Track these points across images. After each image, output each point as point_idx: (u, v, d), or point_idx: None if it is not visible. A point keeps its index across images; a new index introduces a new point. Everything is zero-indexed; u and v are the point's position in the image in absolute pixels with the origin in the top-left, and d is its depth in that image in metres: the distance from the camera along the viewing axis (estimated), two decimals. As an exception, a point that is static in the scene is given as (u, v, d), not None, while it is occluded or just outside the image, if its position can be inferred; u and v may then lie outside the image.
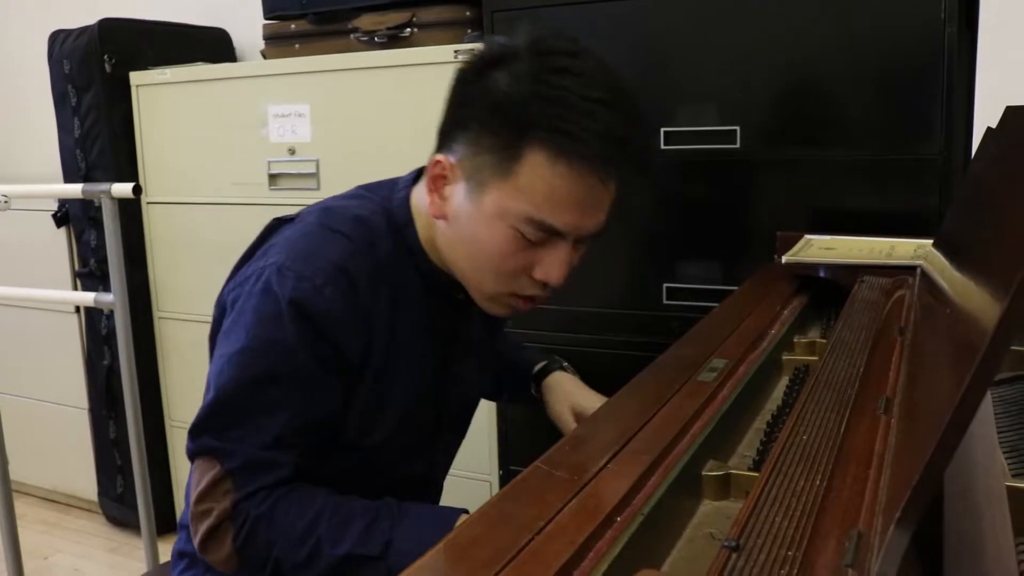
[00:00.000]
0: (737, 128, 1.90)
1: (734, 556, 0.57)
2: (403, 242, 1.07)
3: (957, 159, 1.75)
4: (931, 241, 1.54)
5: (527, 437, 2.24)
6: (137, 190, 2.13)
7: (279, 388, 0.99)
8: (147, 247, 2.68)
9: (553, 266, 0.99)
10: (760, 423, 1.06)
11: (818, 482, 0.68)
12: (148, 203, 2.66)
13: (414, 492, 1.17)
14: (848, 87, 1.81)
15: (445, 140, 1.02)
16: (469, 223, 0.99)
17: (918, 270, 1.33)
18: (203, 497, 0.99)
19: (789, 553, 0.58)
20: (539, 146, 0.93)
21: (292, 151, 2.33)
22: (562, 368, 1.33)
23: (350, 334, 1.01)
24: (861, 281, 1.38)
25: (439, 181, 1.01)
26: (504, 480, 2.31)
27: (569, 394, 1.28)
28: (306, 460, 1.02)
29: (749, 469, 0.88)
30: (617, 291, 2.10)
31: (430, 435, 1.18)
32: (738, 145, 1.90)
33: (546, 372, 1.33)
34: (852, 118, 1.81)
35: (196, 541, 1.01)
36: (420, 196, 1.08)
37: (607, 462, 0.78)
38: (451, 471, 2.31)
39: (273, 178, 2.38)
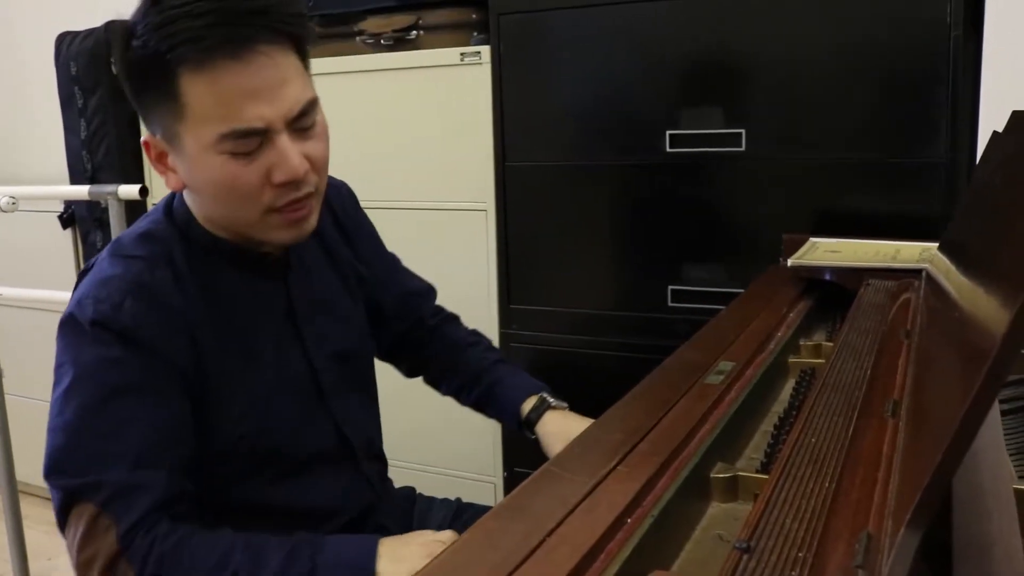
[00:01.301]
0: (743, 131, 1.90)
1: (745, 557, 0.57)
2: (194, 240, 1.07)
3: (962, 163, 1.75)
4: (936, 244, 1.55)
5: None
6: (144, 192, 2.14)
7: (121, 407, 0.97)
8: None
9: (283, 163, 0.98)
10: (767, 425, 1.06)
11: (827, 484, 0.68)
12: (154, 204, 2.66)
13: (339, 464, 1.19)
14: (854, 90, 1.81)
15: (145, 124, 1.03)
16: (194, 174, 1.00)
17: (923, 273, 1.34)
18: (84, 543, 0.94)
19: (800, 554, 0.58)
20: (180, 70, 0.94)
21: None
22: (551, 407, 1.29)
23: (166, 339, 1.00)
24: (867, 284, 1.39)
25: (162, 159, 1.03)
26: (508, 481, 2.31)
27: (565, 432, 1.22)
28: (183, 478, 0.99)
29: (757, 471, 0.89)
30: (622, 293, 2.11)
31: (315, 401, 1.16)
32: (743, 148, 1.91)
33: (538, 414, 1.28)
34: (857, 121, 1.82)
35: None
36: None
37: (616, 464, 0.78)
38: (456, 472, 2.35)
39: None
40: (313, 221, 1.06)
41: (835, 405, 0.87)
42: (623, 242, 2.09)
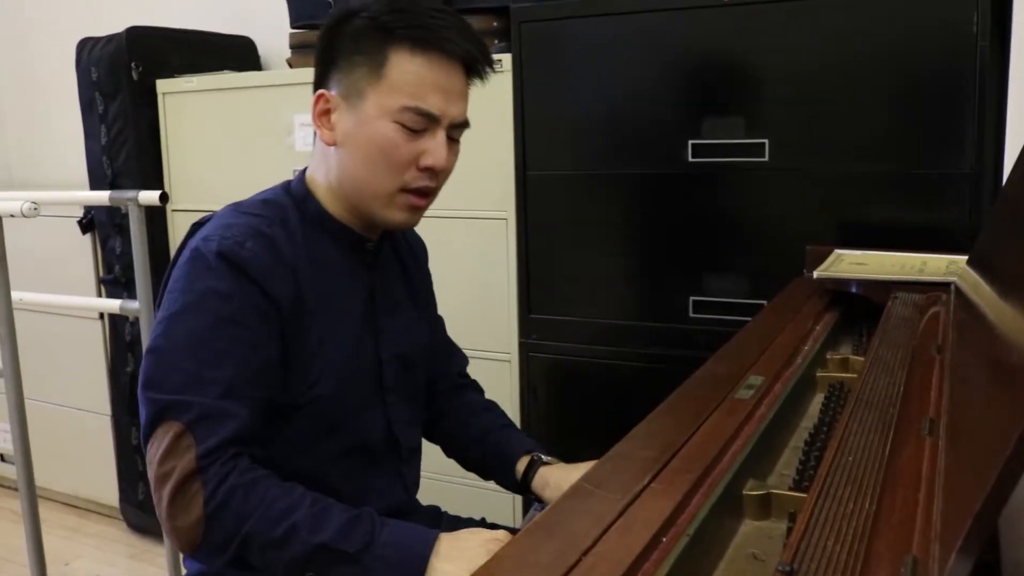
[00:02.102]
0: (766, 141, 1.89)
1: (789, 581, 0.56)
2: (307, 212, 1.19)
3: (988, 174, 1.73)
4: (963, 257, 1.54)
5: (551, 447, 2.23)
6: (164, 198, 2.14)
7: (222, 338, 1.06)
8: (171, 254, 2.69)
9: (436, 151, 1.14)
10: (796, 441, 1.05)
11: (867, 505, 0.67)
12: (173, 210, 2.68)
13: (383, 457, 1.26)
14: (879, 100, 1.80)
15: (321, 83, 1.18)
16: (357, 132, 1.14)
17: (952, 287, 1.32)
18: (165, 457, 1.01)
19: (844, 579, 0.57)
20: (400, 45, 1.12)
21: (317, 160, 2.34)
22: (545, 463, 1.30)
23: (277, 281, 1.10)
24: (895, 297, 1.37)
25: (323, 116, 1.17)
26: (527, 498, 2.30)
27: (564, 481, 1.24)
28: (261, 421, 1.07)
29: (790, 488, 0.87)
30: (644, 304, 2.10)
31: (375, 392, 1.25)
32: (767, 158, 1.89)
33: (531, 475, 1.30)
34: (882, 132, 1.81)
35: (162, 508, 1.01)
36: (314, 172, 1.22)
37: (650, 481, 0.77)
38: (476, 483, 2.32)
39: (298, 186, 2.38)
40: (421, 216, 1.21)
41: (870, 422, 0.85)
42: (644, 252, 2.08)
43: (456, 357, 1.50)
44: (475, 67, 1.17)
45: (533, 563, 0.63)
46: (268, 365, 1.09)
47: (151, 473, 1.03)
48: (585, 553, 0.64)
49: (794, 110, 1.88)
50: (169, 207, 2.66)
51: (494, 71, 1.20)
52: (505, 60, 2.14)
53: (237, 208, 1.19)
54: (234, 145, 2.53)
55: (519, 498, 2.32)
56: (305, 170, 1.25)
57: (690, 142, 1.96)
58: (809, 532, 0.63)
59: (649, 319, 2.09)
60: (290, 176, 2.40)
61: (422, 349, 1.36)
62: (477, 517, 1.42)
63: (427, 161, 1.14)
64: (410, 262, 1.37)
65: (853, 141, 1.83)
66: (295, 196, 1.21)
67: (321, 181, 1.21)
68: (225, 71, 2.63)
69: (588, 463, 1.23)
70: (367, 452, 1.24)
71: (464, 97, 1.18)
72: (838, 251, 1.65)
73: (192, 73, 2.59)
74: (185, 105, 2.61)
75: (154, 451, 1.02)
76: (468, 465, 1.44)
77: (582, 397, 2.19)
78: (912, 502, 0.68)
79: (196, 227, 1.20)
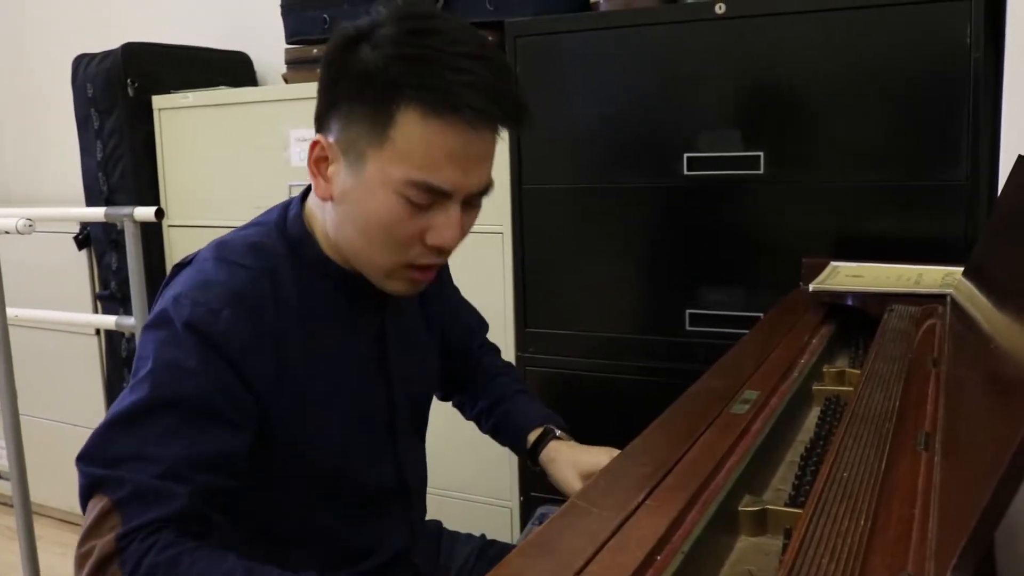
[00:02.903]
0: (761, 153, 1.89)
1: (783, 600, 0.56)
2: (304, 257, 1.06)
3: (983, 185, 1.74)
4: (959, 269, 1.53)
5: (548, 463, 2.23)
6: (160, 214, 2.14)
7: (176, 415, 0.94)
8: (168, 271, 2.69)
9: (445, 229, 0.98)
10: (792, 455, 1.04)
11: (862, 522, 0.67)
12: (169, 226, 2.67)
13: (392, 504, 1.18)
14: (873, 113, 1.80)
15: (321, 123, 1.02)
16: (355, 197, 0.99)
17: (948, 299, 1.32)
18: (87, 536, 0.91)
19: (839, 598, 0.56)
20: (410, 106, 0.94)
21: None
22: (557, 437, 1.28)
23: (254, 357, 0.98)
24: (890, 310, 1.37)
25: (320, 163, 1.01)
26: (524, 507, 2.29)
27: (571, 462, 1.23)
28: (208, 506, 0.94)
29: (786, 504, 0.87)
30: (639, 317, 2.09)
31: (387, 438, 1.17)
32: (762, 171, 1.90)
33: (542, 443, 1.28)
34: (877, 144, 1.81)
35: None
36: (313, 207, 1.08)
37: (645, 498, 0.77)
38: (472, 497, 2.33)
39: (294, 202, 2.38)
40: (424, 286, 1.09)
41: (865, 437, 0.85)
42: (640, 265, 2.08)
43: (480, 330, 1.45)
44: (507, 123, 0.99)
45: (527, 582, 0.63)
46: (226, 453, 0.96)
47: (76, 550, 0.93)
48: (579, 573, 0.64)
49: (789, 123, 1.88)
50: (165, 223, 2.66)
51: (528, 120, 1.00)
52: (500, 74, 2.14)
53: (220, 253, 1.03)
54: (230, 161, 2.53)
55: (517, 512, 2.31)
56: (304, 199, 1.10)
57: (685, 155, 1.96)
58: (804, 549, 0.63)
59: (646, 332, 2.08)
60: (286, 192, 2.41)
61: (433, 382, 1.30)
62: (476, 534, 1.41)
63: (434, 239, 0.99)
64: (430, 285, 1.23)
65: (848, 153, 1.83)
66: (290, 237, 1.07)
67: (320, 221, 1.07)
68: (221, 87, 2.63)
69: (599, 448, 1.23)
70: (376, 501, 1.16)
71: (488, 160, 1.00)
72: (834, 263, 1.65)
73: (188, 89, 2.60)
74: (181, 121, 2.61)
75: (82, 527, 0.93)
76: (483, 429, 1.42)
77: (579, 410, 2.17)
78: (908, 518, 0.68)
79: (177, 269, 1.06)
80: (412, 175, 0.95)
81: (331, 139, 1.00)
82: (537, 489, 2.27)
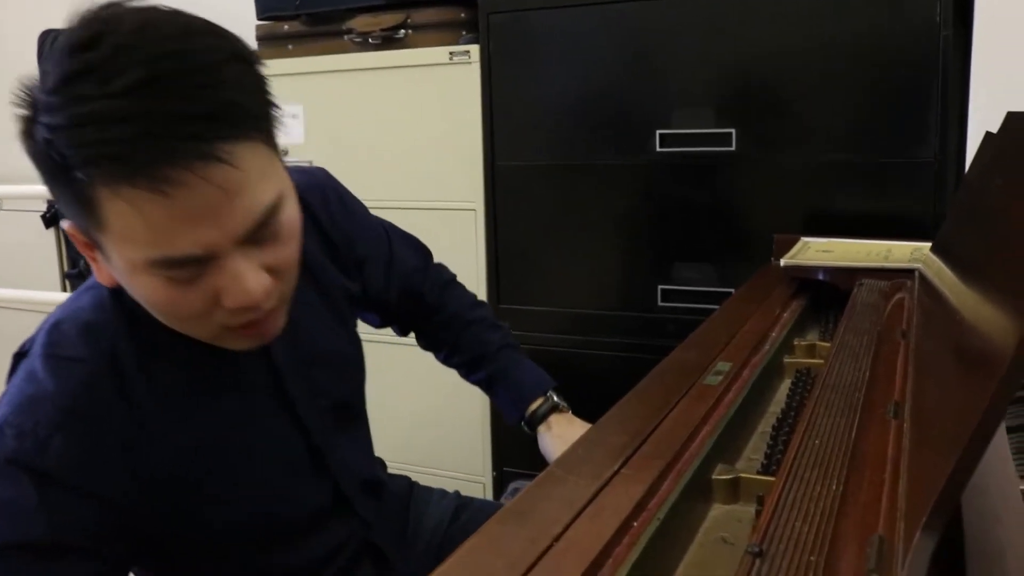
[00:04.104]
0: (733, 131, 1.90)
1: (758, 562, 0.57)
2: (146, 323, 0.86)
3: (951, 162, 1.76)
4: (927, 244, 1.56)
5: (521, 438, 2.24)
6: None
7: (20, 562, 0.79)
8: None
9: (235, 288, 0.79)
10: (764, 426, 1.06)
11: (834, 487, 0.68)
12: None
13: (338, 513, 1.10)
14: (844, 90, 1.82)
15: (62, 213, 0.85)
16: (125, 283, 0.83)
17: (916, 273, 1.34)
18: None
19: (811, 558, 0.58)
20: (94, 185, 0.73)
21: (285, 152, 2.31)
22: (556, 408, 1.28)
23: (104, 475, 0.84)
24: (860, 284, 1.39)
25: (89, 248, 0.83)
26: (497, 482, 2.31)
27: (564, 437, 1.23)
28: None
29: (758, 472, 0.88)
30: (611, 293, 2.11)
31: (311, 462, 1.05)
32: (734, 148, 1.91)
33: (542, 416, 1.27)
34: (848, 121, 1.83)
35: None
36: None
37: (620, 467, 0.78)
38: (444, 473, 2.34)
39: (266, 179, 2.36)
40: (281, 323, 0.89)
41: (836, 406, 0.86)
42: (613, 242, 2.09)
43: (422, 273, 1.32)
44: (228, 136, 0.74)
45: (504, 551, 0.63)
46: None
47: None
48: (556, 539, 0.65)
49: (761, 100, 1.89)
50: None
51: (276, 121, 0.83)
52: (473, 51, 2.13)
53: (51, 348, 0.86)
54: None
55: (490, 487, 2.32)
56: None
57: (658, 132, 1.97)
58: (777, 514, 0.64)
59: (618, 308, 2.10)
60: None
61: (357, 374, 1.17)
62: (450, 490, 1.39)
63: (230, 303, 0.80)
64: (318, 259, 1.08)
65: (819, 131, 1.85)
66: (126, 306, 0.87)
67: None
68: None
69: (588, 426, 1.20)
70: (314, 523, 1.06)
71: (244, 185, 0.76)
72: (804, 239, 1.66)
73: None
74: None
75: None
76: (467, 379, 1.37)
77: (553, 387, 2.20)
78: (878, 483, 0.69)
79: (16, 360, 0.90)
80: (149, 254, 0.76)
81: (68, 225, 0.83)
82: (510, 463, 2.29)
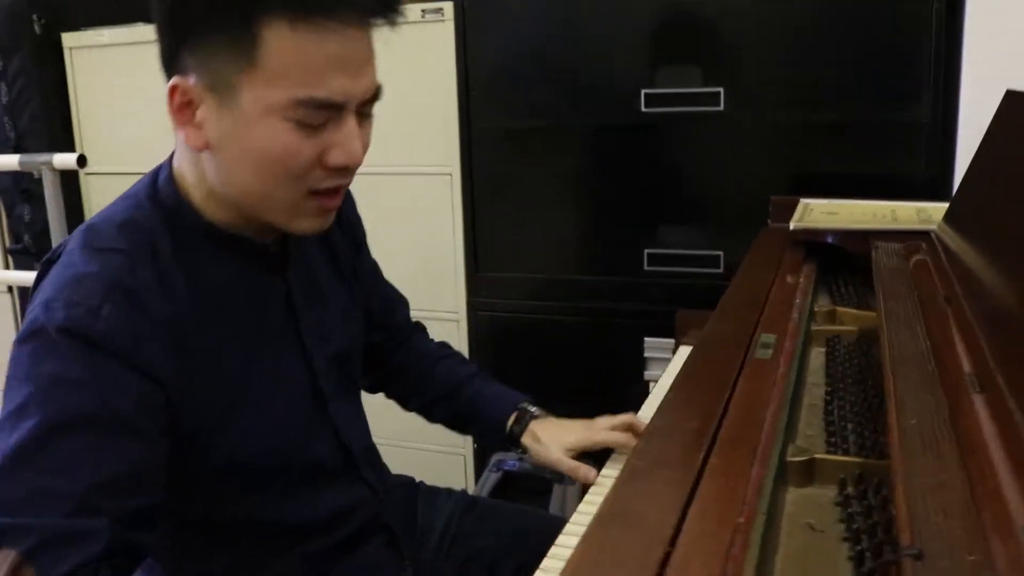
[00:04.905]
0: (721, 90, 1.86)
1: (918, 565, 0.52)
2: (183, 227, 0.94)
3: (946, 122, 1.74)
4: (931, 204, 1.54)
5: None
6: (82, 161, 2.00)
7: (75, 438, 0.82)
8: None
9: (346, 145, 0.89)
10: (810, 399, 1.01)
11: (955, 472, 0.64)
12: (87, 174, 2.50)
13: (339, 473, 1.09)
14: (835, 49, 1.78)
15: (172, 65, 0.89)
16: (238, 137, 0.87)
17: (933, 235, 1.31)
18: None
19: (970, 558, 0.53)
20: (272, 18, 0.83)
21: (246, 117, 2.20)
22: (534, 417, 1.23)
23: (150, 349, 0.86)
24: (876, 247, 1.35)
25: (184, 110, 0.88)
26: (478, 454, 2.26)
27: (555, 440, 1.19)
28: (134, 529, 0.85)
29: (828, 452, 0.84)
30: (596, 258, 2.05)
31: (315, 407, 1.06)
32: (722, 107, 1.86)
33: (521, 428, 1.22)
34: (838, 81, 1.79)
35: None
36: (182, 167, 0.95)
37: (707, 455, 0.72)
38: (424, 446, 2.27)
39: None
40: (338, 205, 0.96)
41: (914, 381, 0.82)
42: (596, 205, 2.03)
43: (400, 305, 1.34)
44: (381, 15, 0.89)
45: (620, 560, 0.58)
46: (141, 466, 0.85)
47: None
48: (671, 544, 0.59)
49: (750, 59, 1.85)
50: (83, 171, 2.48)
51: (402, 14, 0.92)
52: (446, 9, 2.04)
53: (89, 240, 0.90)
54: (154, 103, 2.34)
55: (471, 461, 2.27)
56: (170, 163, 0.97)
57: (643, 91, 1.91)
58: (912, 507, 0.59)
59: (602, 273, 2.05)
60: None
61: (357, 333, 1.18)
62: (457, 488, 1.35)
63: (337, 159, 0.89)
64: (334, 232, 1.13)
65: (809, 90, 1.81)
66: (165, 207, 0.94)
67: (194, 182, 0.94)
68: (139, 23, 2.44)
69: (576, 422, 1.20)
70: (320, 477, 1.07)
71: (372, 60, 0.90)
72: (804, 200, 1.62)
73: (102, 26, 2.41)
74: (96, 60, 2.43)
75: None
76: (435, 419, 1.33)
77: (535, 355, 2.15)
78: (994, 467, 0.65)
79: (46, 267, 0.92)
80: (296, 93, 0.84)
81: (191, 80, 0.87)
82: (491, 436, 2.23)
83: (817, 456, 0.82)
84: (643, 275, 2.00)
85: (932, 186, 1.74)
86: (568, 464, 1.15)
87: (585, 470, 1.11)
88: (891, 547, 0.67)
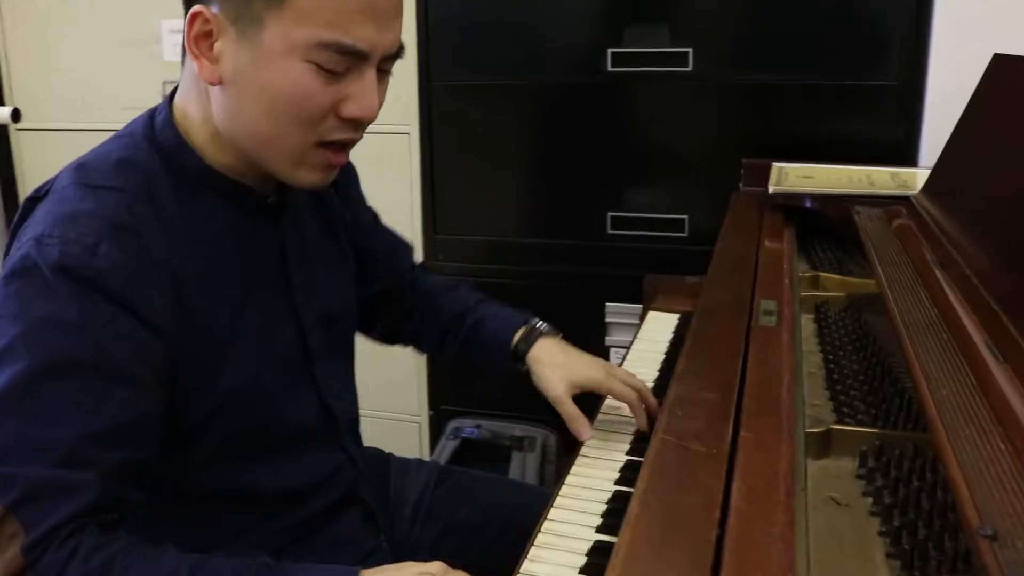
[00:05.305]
0: (690, 50, 1.82)
1: (995, 546, 0.50)
2: (183, 170, 0.91)
3: (916, 84, 1.72)
4: (905, 169, 1.53)
5: (457, 377, 2.14)
6: (16, 115, 1.88)
7: (64, 384, 0.79)
8: (18, 181, 2.39)
9: (363, 97, 0.86)
10: (808, 367, 0.99)
11: (1002, 446, 0.62)
12: (19, 129, 2.36)
13: (321, 440, 1.05)
14: (805, 10, 1.75)
15: None
16: (255, 73, 0.84)
17: (913, 200, 1.30)
18: None
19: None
20: None
21: (193, 71, 2.10)
22: (542, 334, 1.15)
23: (149, 292, 0.83)
24: (857, 212, 1.34)
25: (202, 40, 0.85)
26: (434, 421, 2.21)
27: (564, 370, 1.09)
28: (123, 485, 0.81)
29: (841, 422, 0.82)
30: (559, 221, 2.01)
31: (302, 366, 1.02)
32: (690, 68, 1.82)
33: (528, 344, 1.14)
34: (808, 41, 1.76)
35: None
36: (186, 106, 0.92)
37: (735, 428, 0.69)
38: (379, 413, 2.22)
39: (169, 100, 2.13)
40: (336, 174, 0.93)
41: (934, 351, 0.80)
42: (560, 167, 1.98)
43: (406, 250, 1.29)
44: None
45: (674, 545, 0.54)
46: (136, 419, 0.82)
47: None
48: (722, 526, 0.56)
49: (719, 18, 1.81)
50: (13, 125, 2.34)
51: None
52: (405, -41, 1.96)
53: (82, 177, 0.87)
54: (91, 54, 2.24)
55: (426, 428, 2.22)
56: (171, 101, 0.93)
57: (609, 50, 1.86)
58: (972, 485, 0.57)
59: (566, 236, 2.01)
60: (159, 90, 2.15)
61: (348, 297, 1.14)
62: (427, 458, 1.31)
63: (352, 111, 0.86)
64: (330, 195, 1.10)
65: (778, 51, 1.78)
66: (163, 148, 0.90)
67: (198, 121, 0.91)
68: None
69: (590, 358, 1.11)
70: (301, 442, 1.03)
71: (400, 14, 0.88)
72: (777, 164, 1.60)
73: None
74: (25, 7, 2.28)
75: None
76: (448, 354, 1.25)
77: (494, 320, 2.10)
78: (1035, 438, 0.63)
79: (31, 203, 0.88)
80: (322, 35, 0.82)
81: (214, 9, 0.84)
82: (447, 402, 2.19)
83: (834, 427, 0.80)
84: (606, 238, 1.96)
85: (899, 148, 1.74)
86: (568, 409, 1.05)
87: (581, 425, 1.02)
88: (923, 522, 0.65)
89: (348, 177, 1.16)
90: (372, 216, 1.24)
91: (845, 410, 0.85)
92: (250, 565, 0.83)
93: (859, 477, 0.76)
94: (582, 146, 1.94)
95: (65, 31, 2.26)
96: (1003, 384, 0.71)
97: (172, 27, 2.11)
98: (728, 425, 0.70)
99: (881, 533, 0.68)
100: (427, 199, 2.08)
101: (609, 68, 1.87)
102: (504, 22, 1.93)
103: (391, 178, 2.08)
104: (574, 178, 1.97)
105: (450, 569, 0.81)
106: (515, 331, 1.16)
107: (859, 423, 0.82)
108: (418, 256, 2.10)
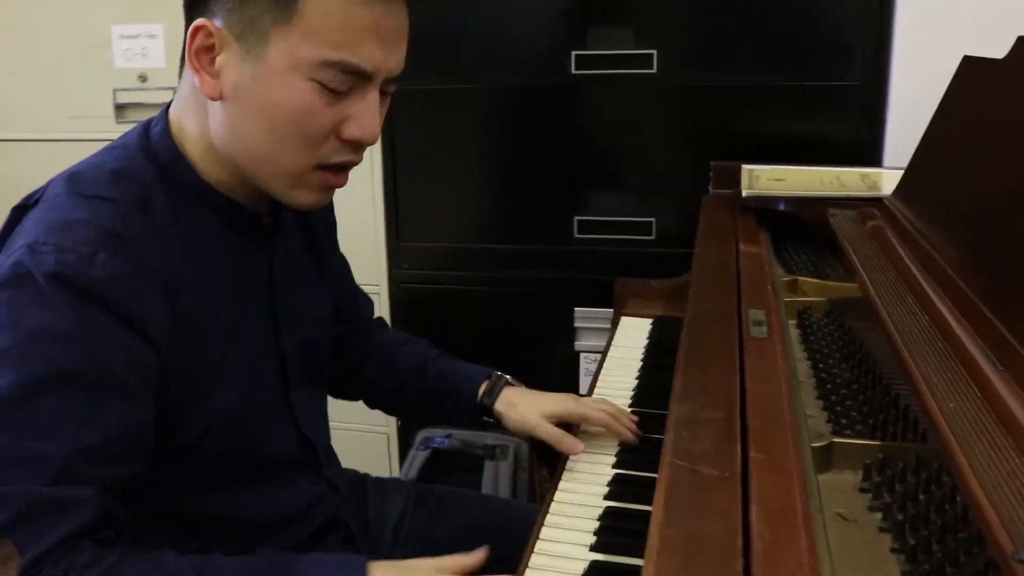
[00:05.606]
0: (654, 52, 1.81)
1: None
2: (178, 183, 0.89)
3: (879, 85, 1.74)
4: (875, 170, 1.54)
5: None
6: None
7: (59, 395, 0.77)
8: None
9: (365, 119, 0.85)
10: (798, 375, 0.99)
11: (1017, 459, 0.61)
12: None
13: (302, 468, 1.05)
14: (768, 11, 1.75)
15: (198, 5, 0.85)
16: (257, 89, 0.84)
17: (887, 202, 1.31)
18: None
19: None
20: None
21: (143, 78, 2.03)
22: (507, 383, 1.15)
23: (145, 304, 0.82)
24: (832, 214, 1.34)
25: (203, 54, 0.84)
26: (401, 432, 2.17)
27: (534, 406, 1.10)
28: (119, 500, 0.81)
29: (838, 434, 0.81)
30: (524, 226, 1.99)
31: (280, 394, 1.01)
32: (655, 70, 1.82)
33: (493, 397, 1.14)
34: (772, 42, 1.77)
35: None
36: (182, 119, 0.91)
37: (744, 449, 0.68)
38: (346, 425, 2.17)
39: (121, 109, 2.06)
40: (332, 196, 0.94)
41: (932, 361, 0.80)
42: (525, 171, 1.96)
43: (365, 301, 1.28)
44: None
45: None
46: (131, 432, 0.81)
47: None
48: (746, 556, 0.54)
49: (683, 20, 1.81)
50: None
51: None
52: (363, -39, 1.92)
53: (75, 186, 0.85)
54: (38, 61, 2.16)
55: (395, 439, 2.19)
56: (167, 112, 0.92)
57: (573, 52, 1.85)
58: (996, 506, 0.56)
59: (531, 241, 1.99)
60: (109, 99, 2.09)
61: (326, 325, 1.12)
62: (404, 478, 1.28)
63: (353, 132, 0.85)
64: (317, 218, 1.09)
65: (742, 52, 1.78)
66: (158, 159, 0.89)
67: (194, 135, 0.89)
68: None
69: (554, 394, 1.12)
70: (281, 470, 1.01)
71: (406, 36, 0.87)
72: (747, 167, 1.59)
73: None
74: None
75: None
76: (404, 405, 1.24)
77: (460, 328, 2.07)
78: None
79: (19, 213, 0.87)
80: (328, 54, 0.81)
81: (218, 23, 0.83)
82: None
83: (836, 440, 0.79)
84: (573, 243, 1.95)
85: (863, 148, 1.75)
86: (551, 432, 1.05)
87: (571, 441, 1.02)
88: (935, 538, 0.64)
89: (331, 224, 1.15)
90: (343, 262, 1.23)
91: (843, 421, 0.84)
92: (251, 559, 0.84)
93: (863, 490, 0.75)
94: (547, 150, 1.93)
95: (10, 37, 2.18)
96: (1006, 395, 0.70)
97: (123, 32, 2.04)
98: (736, 445, 0.68)
99: (894, 550, 0.67)
100: (390, 206, 2.05)
101: (573, 70, 1.85)
102: (466, 25, 1.91)
103: (353, 184, 1.99)
104: (539, 182, 1.95)
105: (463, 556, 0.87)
106: (479, 384, 1.15)
107: (858, 435, 0.81)
108: (381, 264, 2.08)
